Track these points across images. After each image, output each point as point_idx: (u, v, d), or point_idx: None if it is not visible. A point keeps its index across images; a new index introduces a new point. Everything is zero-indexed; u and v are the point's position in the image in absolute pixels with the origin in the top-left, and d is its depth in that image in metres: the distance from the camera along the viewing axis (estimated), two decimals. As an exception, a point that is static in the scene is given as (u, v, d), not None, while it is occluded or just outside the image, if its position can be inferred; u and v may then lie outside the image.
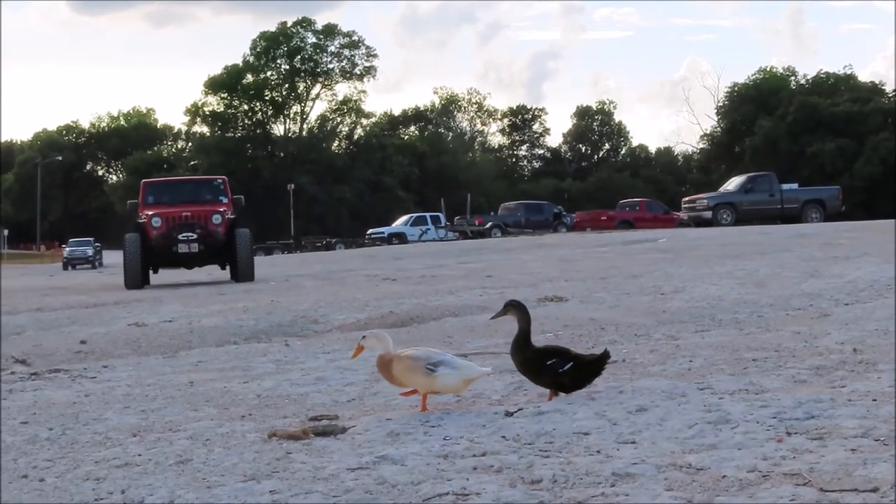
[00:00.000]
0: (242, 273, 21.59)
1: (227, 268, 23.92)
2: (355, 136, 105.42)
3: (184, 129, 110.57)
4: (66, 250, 62.34)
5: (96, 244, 64.54)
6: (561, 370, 5.51)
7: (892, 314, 8.55)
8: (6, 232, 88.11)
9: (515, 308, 5.77)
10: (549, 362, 5.53)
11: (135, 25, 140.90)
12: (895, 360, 6.10)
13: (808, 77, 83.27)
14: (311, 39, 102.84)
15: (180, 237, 21.27)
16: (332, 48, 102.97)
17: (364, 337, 5.61)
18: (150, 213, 21.90)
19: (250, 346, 9.84)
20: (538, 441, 4.68)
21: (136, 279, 21.10)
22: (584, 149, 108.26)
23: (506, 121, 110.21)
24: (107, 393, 7.07)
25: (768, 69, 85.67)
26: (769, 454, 4.24)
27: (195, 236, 21.41)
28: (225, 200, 23.52)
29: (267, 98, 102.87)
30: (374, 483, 4.13)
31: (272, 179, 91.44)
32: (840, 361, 6.36)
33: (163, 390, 7.05)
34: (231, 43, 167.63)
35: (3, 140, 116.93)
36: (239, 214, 23.87)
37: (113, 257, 53.34)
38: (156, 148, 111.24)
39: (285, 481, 4.21)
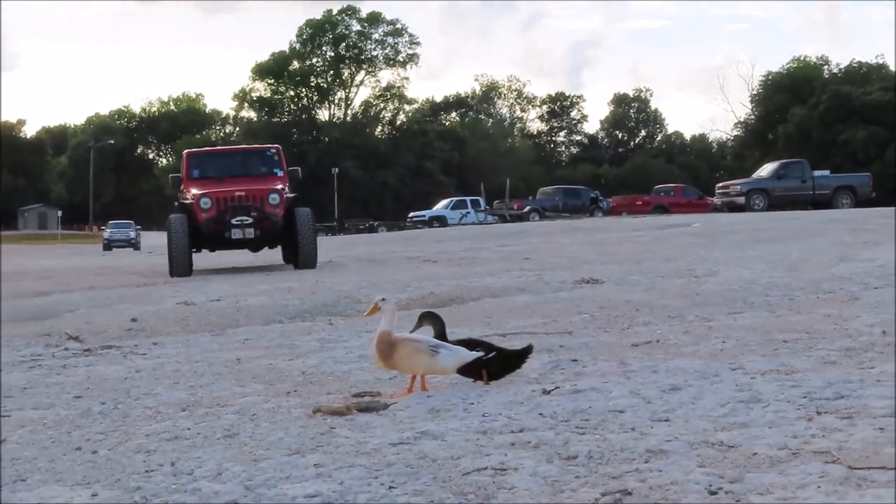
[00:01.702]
0: (305, 258, 18.13)
1: (280, 249, 20.81)
2: (398, 122, 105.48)
3: (232, 113, 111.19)
4: (107, 232, 62.17)
5: (137, 227, 64.39)
6: (486, 357, 5.58)
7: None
8: (60, 213, 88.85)
9: (428, 318, 5.92)
10: (475, 350, 5.58)
11: (186, 13, 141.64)
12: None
13: (841, 66, 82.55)
14: (356, 27, 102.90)
15: (234, 221, 17.69)
16: (376, 36, 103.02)
17: (384, 300, 5.61)
18: (197, 191, 18.40)
19: (295, 325, 9.89)
20: (574, 418, 4.69)
21: (183, 267, 17.91)
22: (620, 135, 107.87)
23: (544, 107, 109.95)
24: (157, 369, 7.13)
25: (802, 58, 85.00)
26: (799, 432, 4.23)
27: (250, 220, 17.77)
28: (280, 174, 19.73)
29: (312, 84, 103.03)
30: (414, 457, 4.15)
31: (317, 164, 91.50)
32: (869, 343, 6.33)
33: (211, 367, 7.10)
34: (278, 30, 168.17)
35: (55, 124, 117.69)
36: (297, 188, 20.17)
37: (153, 239, 53.50)
38: (204, 132, 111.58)
39: (329, 455, 4.23)
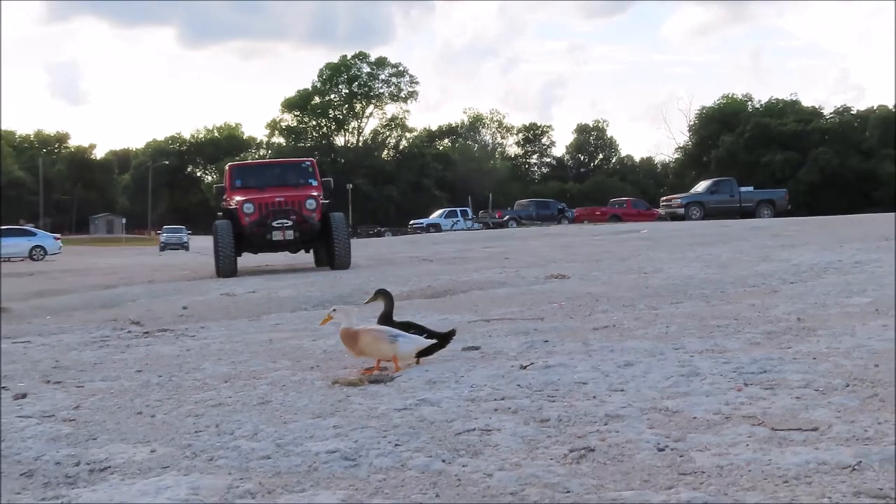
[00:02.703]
0: (340, 260, 16.71)
1: (312, 252, 19.62)
2: (401, 147, 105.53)
3: (265, 139, 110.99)
4: (163, 236, 61.09)
5: (187, 231, 63.80)
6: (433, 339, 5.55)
7: (829, 291, 8.51)
8: (124, 220, 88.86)
9: (383, 294, 5.84)
10: (409, 332, 5.55)
11: (228, 57, 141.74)
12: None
13: (762, 102, 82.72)
14: (366, 69, 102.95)
15: (275, 224, 16.37)
16: (383, 76, 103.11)
17: (334, 310, 5.48)
18: (241, 198, 16.94)
19: (318, 312, 9.88)
20: (546, 389, 4.69)
21: (229, 267, 16.45)
22: (582, 158, 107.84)
23: (520, 135, 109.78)
24: (204, 348, 7.13)
25: (730, 96, 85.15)
26: (730, 400, 4.24)
27: (290, 223, 16.45)
28: (315, 183, 18.10)
29: (331, 116, 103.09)
30: (416, 420, 4.15)
31: (334, 181, 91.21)
32: (787, 328, 6.34)
33: (248, 346, 7.09)
34: (302, 72, 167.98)
35: (120, 147, 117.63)
36: (329, 197, 18.41)
37: (200, 242, 53.38)
38: (242, 155, 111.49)
39: (345, 418, 4.23)
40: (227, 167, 19.04)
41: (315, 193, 17.11)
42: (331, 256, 16.97)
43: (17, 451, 3.98)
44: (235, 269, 16.67)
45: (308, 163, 19.38)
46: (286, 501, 3.12)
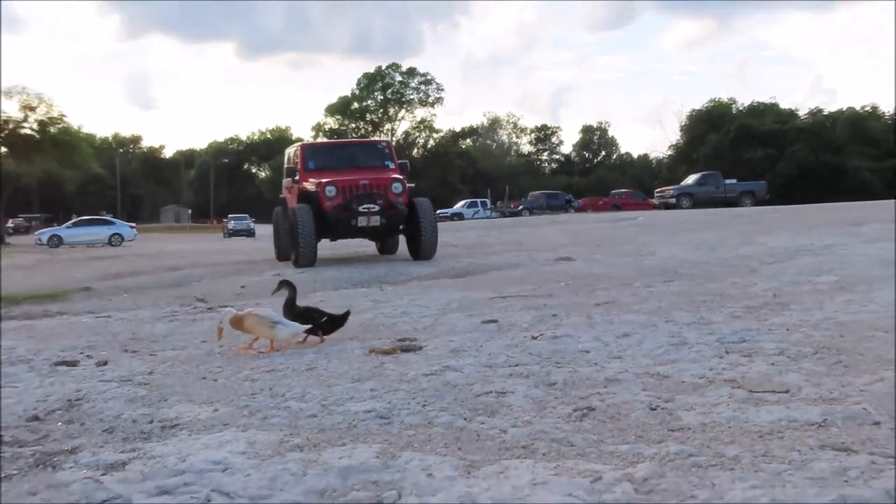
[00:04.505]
0: (427, 248, 13.60)
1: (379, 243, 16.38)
2: (429, 146, 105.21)
3: (310, 141, 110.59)
4: (231, 223, 59.16)
5: (252, 219, 62.80)
6: (320, 321, 5.59)
7: (801, 270, 8.46)
8: (190, 211, 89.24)
9: (286, 285, 5.83)
10: (312, 316, 5.60)
11: (279, 68, 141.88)
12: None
13: (745, 105, 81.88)
14: (398, 78, 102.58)
15: (361, 209, 13.16)
16: (413, 84, 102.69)
17: (220, 322, 5.51)
18: (321, 180, 13.65)
19: (356, 290, 9.91)
20: (553, 356, 4.70)
21: (311, 256, 13.22)
22: (587, 155, 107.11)
23: (532, 135, 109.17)
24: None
25: (717, 99, 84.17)
26: (713, 366, 4.24)
27: (377, 208, 13.22)
28: (392, 165, 14.84)
29: (367, 119, 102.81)
30: (441, 384, 4.17)
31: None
32: (763, 303, 6.31)
33: (296, 320, 7.12)
34: (343, 80, 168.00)
35: (186, 148, 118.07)
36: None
37: (259, 229, 53.36)
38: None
39: (380, 382, 4.26)
40: (298, 147, 15.39)
41: (401, 177, 14.03)
42: (416, 245, 13.79)
43: (100, 410, 4.03)
44: (315, 258, 13.36)
45: (384, 144, 16.04)
46: (329, 454, 3.15)
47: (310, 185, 13.84)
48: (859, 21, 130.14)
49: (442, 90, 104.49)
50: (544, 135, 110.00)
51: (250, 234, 55.53)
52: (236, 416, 3.78)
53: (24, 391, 4.54)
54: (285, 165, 16.05)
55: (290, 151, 15.91)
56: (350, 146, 16.82)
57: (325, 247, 15.34)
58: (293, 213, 13.34)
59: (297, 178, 14.56)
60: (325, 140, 20.88)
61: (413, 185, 14.24)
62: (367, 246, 16.69)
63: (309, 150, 15.12)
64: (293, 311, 5.65)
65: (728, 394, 3.68)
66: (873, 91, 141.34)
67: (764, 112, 78.85)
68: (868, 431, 3.07)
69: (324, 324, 5.65)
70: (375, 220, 13.30)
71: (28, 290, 12.00)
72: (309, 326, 5.50)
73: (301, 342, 5.55)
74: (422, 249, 13.55)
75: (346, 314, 5.85)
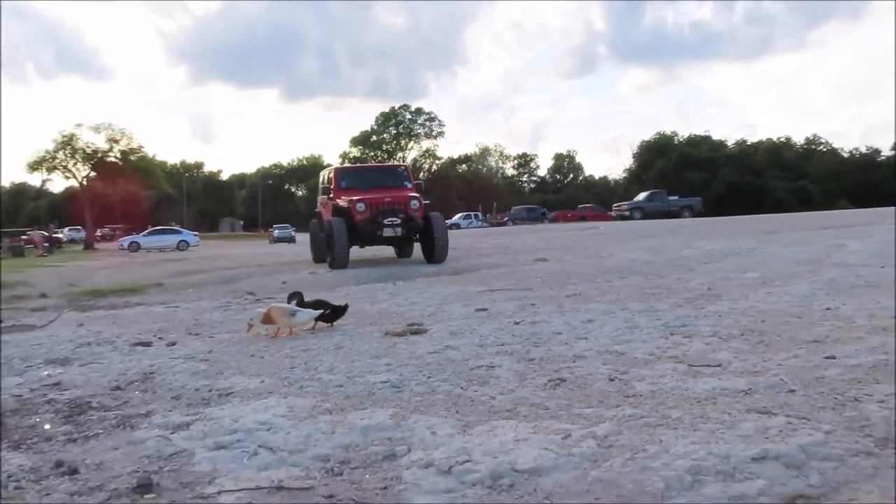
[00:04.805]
0: (439, 254, 13.44)
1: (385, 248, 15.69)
2: (433, 170, 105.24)
3: (342, 165, 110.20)
4: (276, 232, 58.35)
5: (293, 228, 62.37)
6: (324, 311, 5.57)
7: (730, 269, 8.45)
8: (242, 222, 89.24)
9: (294, 295, 5.89)
10: (320, 308, 5.58)
11: (314, 109, 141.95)
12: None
13: (684, 137, 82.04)
14: (408, 116, 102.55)
15: (385, 222, 13.14)
16: (420, 121, 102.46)
17: (251, 320, 5.52)
18: (352, 198, 13.43)
19: (375, 286, 9.89)
20: (532, 338, 4.68)
21: (344, 260, 12.94)
22: (558, 176, 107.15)
23: (515, 161, 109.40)
24: (296, 310, 7.15)
25: (662, 133, 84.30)
26: (660, 346, 4.22)
27: (399, 221, 13.22)
28: (409, 185, 14.65)
29: (384, 149, 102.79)
30: (442, 359, 4.16)
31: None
32: (700, 295, 6.30)
33: (327, 309, 7.11)
34: (365, 118, 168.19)
35: (238, 172, 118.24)
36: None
37: (299, 237, 53.19)
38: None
39: (394, 358, 4.25)
40: (333, 170, 15.12)
41: (418, 195, 13.93)
42: (431, 250, 13.53)
43: (169, 381, 4.02)
44: (347, 261, 13.01)
45: (403, 168, 15.72)
46: (353, 416, 3.14)
47: (342, 201, 13.66)
48: (775, 71, 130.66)
49: (443, 126, 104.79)
50: (524, 161, 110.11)
51: (292, 240, 54.86)
52: (278, 385, 3.77)
53: (108, 366, 4.53)
54: (320, 185, 15.87)
55: (325, 174, 15.79)
56: (375, 170, 16.48)
57: (353, 252, 15.41)
58: (329, 224, 13.16)
59: (331, 195, 14.39)
60: (354, 164, 19.82)
61: (428, 201, 14.07)
62: (387, 250, 16.66)
63: (341, 173, 14.95)
64: (304, 304, 5.67)
65: (672, 368, 3.67)
66: (787, 126, 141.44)
67: (700, 143, 78.90)
68: (784, 398, 3.06)
69: (329, 313, 5.62)
70: (397, 231, 13.25)
71: (112, 285, 11.99)
72: (320, 312, 5.50)
73: (311, 328, 5.53)
74: (435, 254, 13.37)
75: (346, 306, 5.81)
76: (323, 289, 10.10)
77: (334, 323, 5.66)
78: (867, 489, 2.21)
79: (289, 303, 5.84)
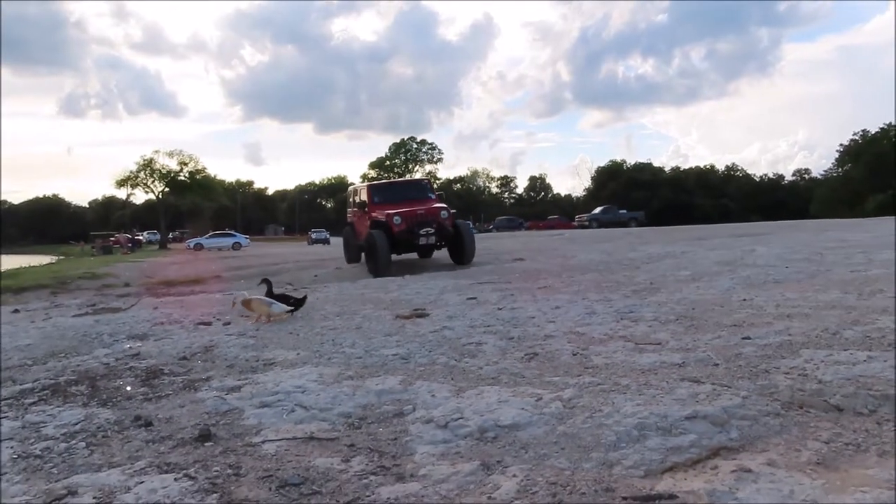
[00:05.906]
0: (468, 257, 12.28)
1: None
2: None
3: (375, 181, 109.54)
4: (313, 234, 55.75)
5: (328, 232, 59.74)
6: (293, 308, 5.37)
7: (667, 268, 8.43)
8: (283, 228, 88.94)
9: (265, 281, 5.73)
10: (283, 301, 5.39)
11: (341, 140, 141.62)
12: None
13: (631, 164, 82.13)
14: (415, 146, 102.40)
15: (421, 232, 11.76)
16: (424, 150, 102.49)
17: (234, 299, 5.31)
18: (388, 211, 12.04)
19: (389, 279, 9.86)
20: (512, 320, 4.65)
21: (387, 267, 11.19)
22: (532, 194, 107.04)
23: (498, 181, 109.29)
24: (326, 298, 7.10)
25: (614, 160, 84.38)
26: (613, 328, 4.20)
27: (433, 230, 11.87)
28: (433, 196, 13.36)
29: (395, 171, 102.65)
30: (440, 338, 4.12)
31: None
32: (644, 288, 6.28)
33: (349, 297, 7.07)
34: (380, 147, 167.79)
35: (279, 188, 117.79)
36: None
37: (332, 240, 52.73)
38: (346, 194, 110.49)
39: (402, 336, 4.22)
40: (366, 186, 13.74)
41: (445, 206, 12.52)
42: (461, 255, 12.29)
43: (224, 353, 4.00)
44: (390, 268, 11.41)
45: (426, 181, 14.34)
46: (370, 382, 3.12)
47: (379, 214, 12.28)
48: (702, 113, 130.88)
49: (442, 153, 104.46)
50: (506, 181, 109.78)
51: (326, 242, 53.95)
52: (311, 357, 3.75)
53: (177, 341, 4.51)
54: (349, 199, 15.03)
55: (356, 189, 14.70)
56: (402, 184, 15.08)
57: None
58: (371, 236, 11.75)
59: (366, 209, 13.09)
60: (383, 181, 18.08)
61: (455, 210, 12.64)
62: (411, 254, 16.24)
63: (374, 189, 13.63)
64: (272, 294, 5.48)
65: (622, 345, 3.65)
66: (711, 156, 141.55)
67: (643, 169, 79.07)
68: (711, 370, 3.04)
69: (292, 305, 5.43)
70: (432, 240, 11.99)
71: (181, 277, 11.94)
72: (293, 308, 5.33)
73: (285, 318, 5.30)
74: (465, 257, 12.26)
75: (305, 298, 5.66)
76: (346, 280, 10.06)
77: (293, 313, 5.42)
78: (776, 442, 2.22)
79: (262, 285, 5.65)
